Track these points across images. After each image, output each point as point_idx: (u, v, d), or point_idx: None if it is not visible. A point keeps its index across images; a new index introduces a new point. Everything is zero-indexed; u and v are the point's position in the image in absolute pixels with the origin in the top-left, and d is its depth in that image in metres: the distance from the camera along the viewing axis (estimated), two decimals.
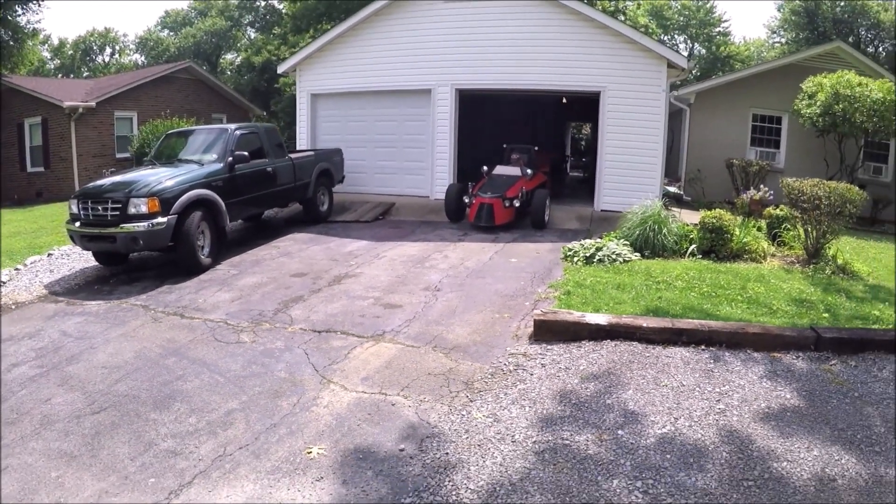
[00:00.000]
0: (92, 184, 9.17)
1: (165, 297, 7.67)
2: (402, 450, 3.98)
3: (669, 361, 5.29)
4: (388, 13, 14.13)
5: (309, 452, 3.97)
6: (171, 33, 55.94)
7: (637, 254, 9.15)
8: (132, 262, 9.72)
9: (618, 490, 3.51)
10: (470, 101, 14.88)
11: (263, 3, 45.48)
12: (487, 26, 13.33)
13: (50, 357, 5.82)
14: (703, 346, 5.61)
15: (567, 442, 4.02)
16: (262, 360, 5.56)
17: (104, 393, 4.97)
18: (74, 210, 8.77)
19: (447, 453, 3.92)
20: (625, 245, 9.25)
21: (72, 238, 9.03)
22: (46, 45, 49.46)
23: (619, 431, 4.14)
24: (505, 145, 14.73)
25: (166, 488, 3.64)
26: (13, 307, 7.59)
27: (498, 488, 3.54)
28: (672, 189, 15.48)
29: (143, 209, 8.20)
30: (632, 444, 3.99)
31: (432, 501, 3.42)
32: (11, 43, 32.48)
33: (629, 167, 12.70)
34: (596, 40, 12.67)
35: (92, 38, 57.55)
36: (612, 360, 5.31)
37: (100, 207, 8.47)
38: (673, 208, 14.29)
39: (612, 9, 27.23)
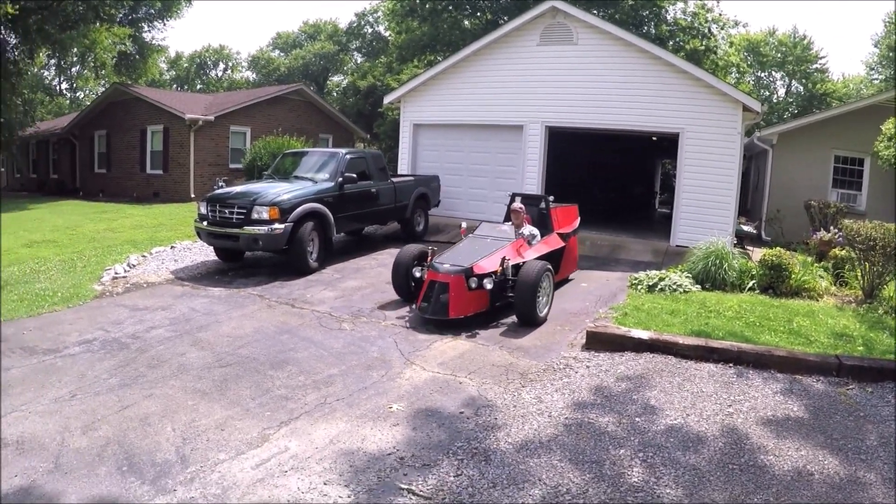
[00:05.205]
0: (220, 191, 10.63)
1: (278, 290, 9.09)
2: (461, 413, 5.11)
3: (696, 373, 6.15)
4: (486, 53, 15.27)
5: (390, 408, 5.17)
6: (282, 54, 58.87)
7: (698, 286, 9.65)
8: (247, 260, 11.25)
9: (622, 456, 4.48)
10: (561, 135, 15.58)
11: (370, 31, 47.64)
12: (575, 68, 14.16)
13: (182, 325, 7.29)
14: (731, 364, 6.36)
15: (591, 421, 5.03)
16: (358, 343, 6.85)
17: (229, 354, 6.37)
18: (203, 211, 10.26)
19: (496, 419, 5.02)
20: (687, 277, 9.81)
21: (198, 234, 10.56)
22: (164, 57, 53.39)
23: (637, 419, 5.10)
24: (510, 193, 10.72)
25: (278, 419, 4.92)
26: (145, 286, 9.21)
27: (529, 444, 4.61)
28: (747, 228, 15.79)
29: (265, 216, 9.61)
30: (644, 428, 4.94)
31: (477, 446, 4.54)
32: (137, 57, 35.83)
33: (704, 205, 13.16)
34: (676, 84, 13.33)
35: (207, 54, 61.47)
36: (646, 368, 6.24)
37: (226, 211, 9.93)
38: (749, 247, 14.70)
39: (702, 48, 27.43)
